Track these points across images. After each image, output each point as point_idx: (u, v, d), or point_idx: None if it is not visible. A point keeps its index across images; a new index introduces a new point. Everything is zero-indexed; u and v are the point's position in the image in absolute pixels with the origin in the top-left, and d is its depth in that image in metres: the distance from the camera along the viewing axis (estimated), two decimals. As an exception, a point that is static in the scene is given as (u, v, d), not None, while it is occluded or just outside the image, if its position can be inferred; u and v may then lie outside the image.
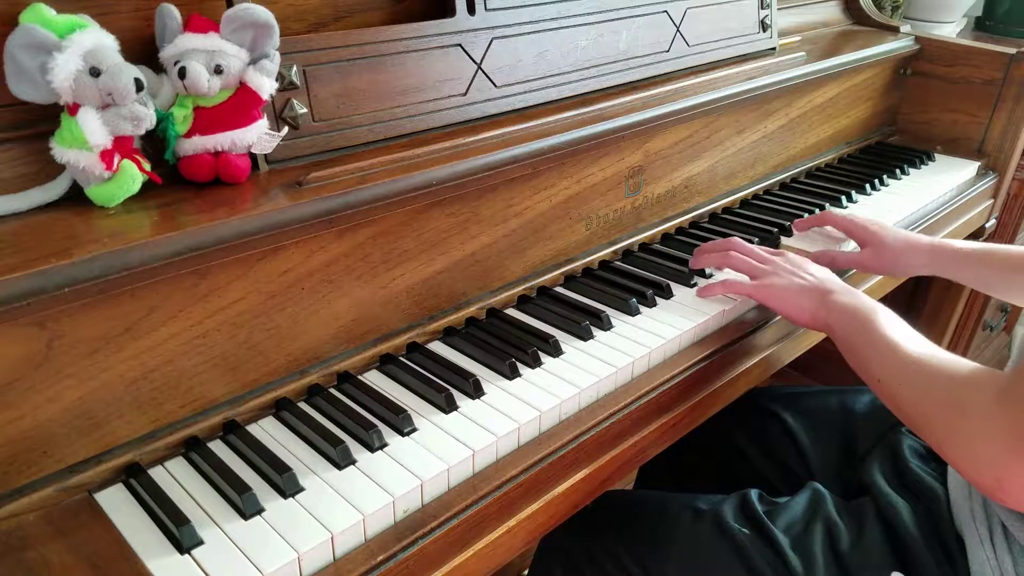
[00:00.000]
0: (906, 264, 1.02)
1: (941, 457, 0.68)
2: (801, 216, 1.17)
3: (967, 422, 0.63)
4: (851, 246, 1.09)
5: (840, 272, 1.09)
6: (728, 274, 0.98)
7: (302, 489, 0.64)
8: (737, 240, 0.98)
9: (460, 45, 0.85)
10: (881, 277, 1.15)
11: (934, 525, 0.77)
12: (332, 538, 0.60)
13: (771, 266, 0.92)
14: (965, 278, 1.00)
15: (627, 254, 1.06)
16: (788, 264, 0.92)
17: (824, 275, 0.89)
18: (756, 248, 0.96)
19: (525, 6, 0.90)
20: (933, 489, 0.80)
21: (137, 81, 0.62)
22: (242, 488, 0.62)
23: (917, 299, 1.62)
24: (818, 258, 1.05)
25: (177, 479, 0.66)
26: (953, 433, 0.64)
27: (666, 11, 1.07)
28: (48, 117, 0.63)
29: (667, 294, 0.95)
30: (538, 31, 0.92)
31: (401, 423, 0.71)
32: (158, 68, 0.68)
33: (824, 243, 1.10)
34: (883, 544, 0.77)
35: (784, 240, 1.12)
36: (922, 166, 1.43)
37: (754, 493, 0.85)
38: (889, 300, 1.11)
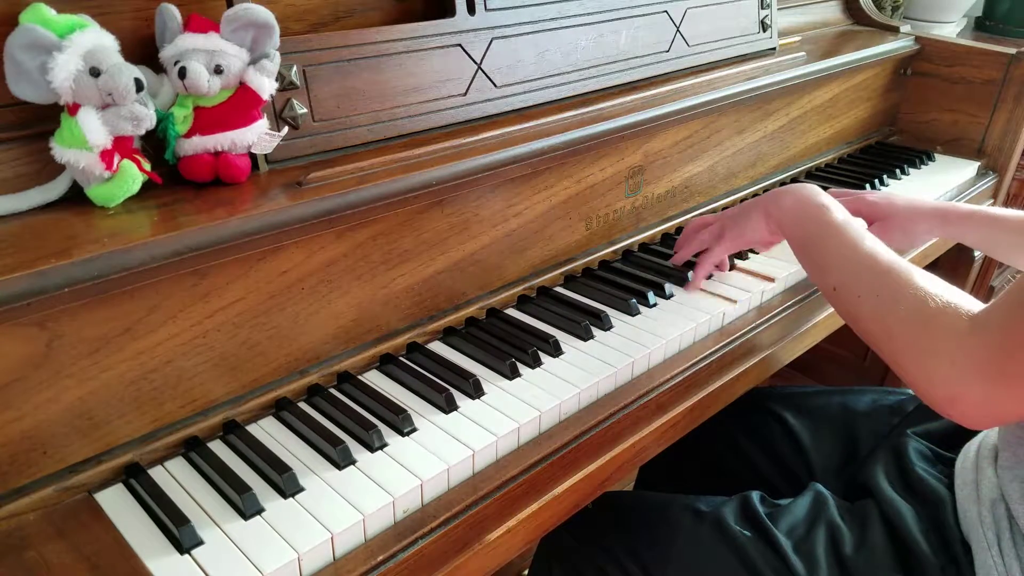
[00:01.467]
0: (915, 231, 1.00)
1: (891, 367, 0.67)
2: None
3: (933, 339, 0.63)
4: None
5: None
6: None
7: (302, 489, 0.64)
8: (692, 222, 1.01)
9: (460, 45, 0.85)
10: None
11: (939, 529, 0.77)
12: (332, 538, 0.60)
13: (720, 219, 0.95)
14: (973, 240, 0.99)
15: (627, 254, 1.06)
16: (735, 208, 0.95)
17: (773, 192, 0.90)
18: (706, 217, 1.00)
19: (525, 6, 0.90)
20: (938, 493, 0.79)
21: (137, 81, 0.62)
22: (242, 488, 0.62)
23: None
24: None
25: (177, 479, 0.66)
26: (914, 346, 0.64)
27: (666, 11, 1.07)
28: (48, 117, 0.63)
29: (667, 294, 0.95)
30: (538, 31, 0.92)
31: (401, 423, 0.71)
32: (158, 68, 0.68)
33: None
34: (887, 547, 0.77)
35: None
36: (922, 166, 1.43)
37: (755, 495, 0.85)
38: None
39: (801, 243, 0.78)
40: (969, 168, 1.42)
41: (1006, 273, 1.67)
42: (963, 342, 0.61)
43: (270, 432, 0.71)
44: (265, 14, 0.67)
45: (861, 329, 0.71)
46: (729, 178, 1.21)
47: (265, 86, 0.69)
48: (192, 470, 0.67)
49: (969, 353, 0.60)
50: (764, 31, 1.24)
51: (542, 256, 0.96)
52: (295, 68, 0.73)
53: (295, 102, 0.74)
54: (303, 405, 0.75)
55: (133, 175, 0.64)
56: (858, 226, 0.76)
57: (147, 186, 0.67)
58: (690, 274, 0.97)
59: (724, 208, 1.20)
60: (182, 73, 0.66)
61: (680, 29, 1.09)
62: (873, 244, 0.74)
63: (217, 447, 0.69)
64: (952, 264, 1.51)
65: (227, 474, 0.64)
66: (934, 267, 1.50)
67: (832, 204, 0.79)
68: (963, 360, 0.61)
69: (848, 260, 0.72)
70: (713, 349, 0.88)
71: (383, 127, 0.80)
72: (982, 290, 1.63)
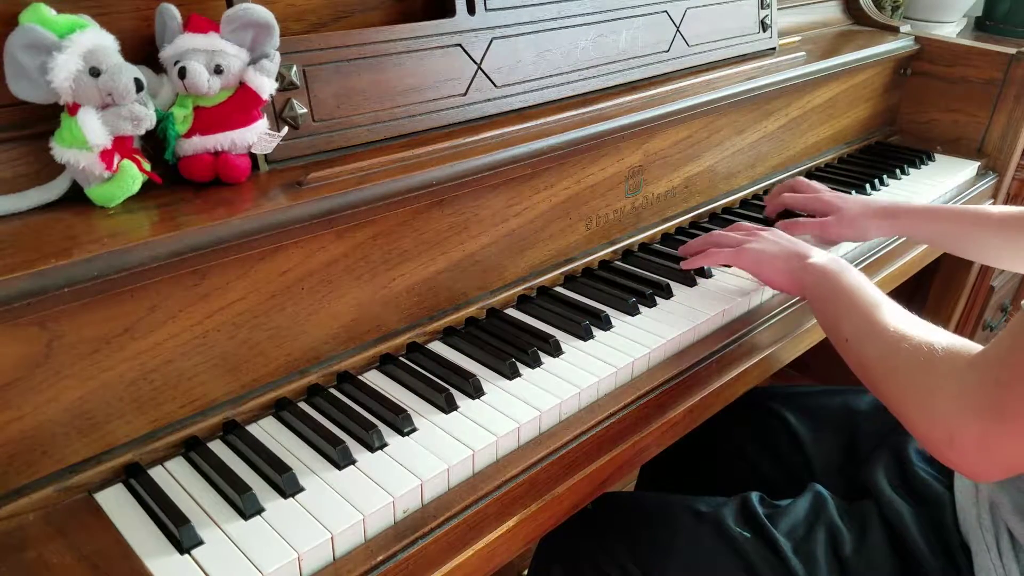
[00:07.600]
0: (865, 226, 1.05)
1: (895, 415, 0.68)
2: (800, 216, 1.17)
3: (934, 378, 0.63)
4: None
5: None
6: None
7: (302, 489, 0.64)
8: (716, 232, 1.01)
9: (460, 45, 0.85)
10: (882, 276, 1.15)
11: (938, 530, 0.77)
12: (332, 538, 0.60)
13: (751, 235, 0.95)
14: (923, 235, 1.05)
15: (627, 254, 1.06)
16: (768, 234, 0.95)
17: (804, 243, 0.92)
18: (738, 226, 0.99)
19: (525, 6, 0.90)
20: (938, 494, 0.79)
21: (137, 81, 0.62)
22: (242, 488, 0.62)
23: (917, 299, 1.62)
24: (785, 226, 1.08)
25: (177, 479, 0.66)
26: (915, 387, 0.65)
27: (666, 11, 1.07)
28: (48, 117, 0.63)
29: (667, 294, 0.95)
30: (538, 31, 0.92)
31: (401, 423, 0.71)
32: (158, 68, 0.68)
33: None
34: (886, 549, 0.77)
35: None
36: (922, 166, 1.43)
37: (755, 495, 0.85)
38: (889, 300, 1.11)
39: (820, 301, 0.83)
40: (969, 168, 1.42)
41: (1006, 272, 1.67)
42: (961, 377, 0.61)
43: (270, 432, 0.71)
44: (265, 14, 0.67)
45: (868, 376, 0.73)
46: (729, 178, 1.21)
47: (265, 86, 0.69)
48: (192, 470, 0.67)
49: (966, 388, 0.60)
50: (764, 31, 1.24)
51: (542, 256, 0.96)
52: (295, 68, 0.73)
53: (295, 102, 0.74)
54: (303, 405, 0.75)
55: (133, 175, 0.64)
56: (870, 286, 0.80)
57: (147, 186, 0.67)
58: (700, 280, 0.98)
59: (724, 210, 1.20)
60: (182, 73, 0.66)
61: (680, 29, 1.09)
62: (883, 299, 0.77)
63: (217, 447, 0.69)
64: (952, 264, 1.51)
65: (227, 474, 0.64)
66: (935, 267, 1.50)
67: (849, 268, 0.83)
68: (960, 395, 0.60)
69: (858, 310, 0.76)
70: (713, 349, 0.88)
71: (383, 127, 0.80)
72: (982, 290, 1.63)
